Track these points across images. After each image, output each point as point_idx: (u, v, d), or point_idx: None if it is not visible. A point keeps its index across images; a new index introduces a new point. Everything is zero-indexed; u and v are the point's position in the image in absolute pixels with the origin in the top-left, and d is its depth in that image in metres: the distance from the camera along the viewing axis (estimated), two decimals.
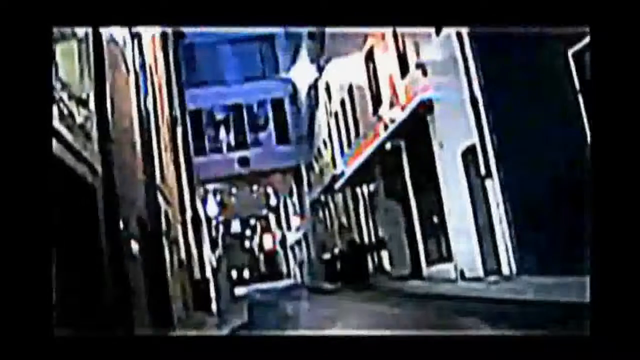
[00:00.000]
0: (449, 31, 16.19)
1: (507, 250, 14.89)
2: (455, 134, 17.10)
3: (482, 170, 15.40)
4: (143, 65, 17.09)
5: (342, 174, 32.13)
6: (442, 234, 19.68)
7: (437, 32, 17.39)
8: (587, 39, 11.03)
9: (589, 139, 11.50)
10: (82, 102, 9.27)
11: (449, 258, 18.96)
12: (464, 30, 15.60)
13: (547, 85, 13.64)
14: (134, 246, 12.03)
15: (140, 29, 16.56)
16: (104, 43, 11.17)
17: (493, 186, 15.21)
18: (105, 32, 11.79)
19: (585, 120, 11.56)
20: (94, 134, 9.79)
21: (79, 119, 8.89)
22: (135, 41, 15.97)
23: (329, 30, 30.85)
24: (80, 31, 9.94)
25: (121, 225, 10.23)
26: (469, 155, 16.56)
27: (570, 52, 11.72)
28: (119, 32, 14.03)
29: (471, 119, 15.60)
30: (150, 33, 19.87)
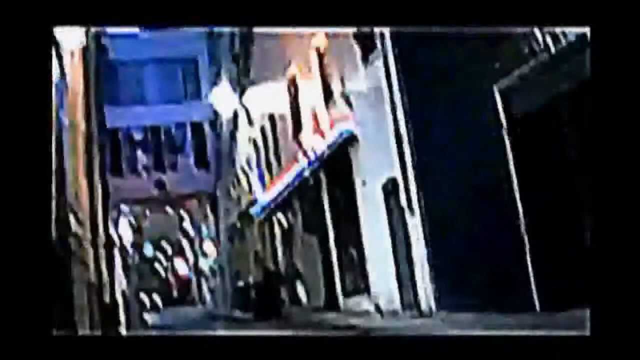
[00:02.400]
0: (376, 61, 16.05)
1: (425, 286, 14.71)
2: (378, 166, 16.92)
3: (403, 204, 15.23)
4: (62, 74, 16.48)
5: (259, 201, 31.74)
6: (359, 267, 19.44)
7: (364, 62, 17.23)
8: (514, 75, 11.03)
9: (513, 179, 11.50)
10: None
11: (365, 290, 18.71)
12: (391, 59, 15.45)
13: (473, 120, 13.57)
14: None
15: (61, 36, 15.99)
16: None
17: (414, 220, 15.02)
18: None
19: (509, 156, 11.49)
20: None
21: None
22: (54, 49, 15.37)
23: (254, 52, 30.58)
24: None
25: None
26: (389, 189, 16.38)
27: (496, 87, 11.63)
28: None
29: (394, 152, 15.43)
30: (70, 40, 19.22)
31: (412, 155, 14.98)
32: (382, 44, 15.79)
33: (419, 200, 14.87)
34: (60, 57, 16.30)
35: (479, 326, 10.96)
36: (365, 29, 16.19)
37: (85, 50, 28.53)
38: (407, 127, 15.15)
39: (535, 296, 11.16)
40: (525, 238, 11.33)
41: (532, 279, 11.21)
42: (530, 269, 11.21)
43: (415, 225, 14.97)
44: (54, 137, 14.91)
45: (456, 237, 14.11)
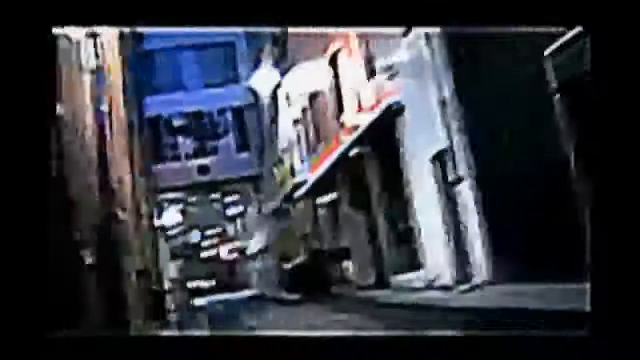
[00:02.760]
0: (418, 32, 15.69)
1: (480, 258, 14.38)
2: (425, 138, 16.59)
3: (453, 175, 14.90)
4: (100, 65, 16.37)
5: (304, 182, 31.54)
6: (409, 242, 19.14)
7: (405, 34, 16.89)
8: (563, 38, 10.61)
9: (565, 140, 11.11)
10: None
11: (416, 266, 18.42)
12: (433, 31, 15.10)
13: (521, 85, 13.17)
14: (88, 257, 11.34)
15: (97, 28, 15.88)
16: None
17: (464, 191, 14.70)
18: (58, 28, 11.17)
19: (559, 120, 11.08)
20: None
21: None
22: (91, 40, 15.26)
23: (292, 33, 30.35)
24: None
25: (75, 233, 9.56)
26: (438, 160, 16.07)
27: (546, 52, 11.21)
28: (75, 30, 13.34)
29: (441, 122, 15.09)
30: (107, 32, 19.12)
31: (459, 124, 14.60)
32: None
33: (469, 170, 14.52)
34: (96, 48, 16.21)
35: (534, 298, 10.69)
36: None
37: (121, 40, 28.66)
38: (452, 95, 14.79)
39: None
40: (582, 203, 10.90)
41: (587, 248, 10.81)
42: (588, 237, 10.80)
43: (466, 196, 14.64)
44: (92, 127, 14.85)
45: (509, 206, 13.73)
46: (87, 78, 14.46)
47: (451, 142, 14.81)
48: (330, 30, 23.11)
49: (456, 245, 15.78)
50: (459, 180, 14.71)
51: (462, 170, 14.63)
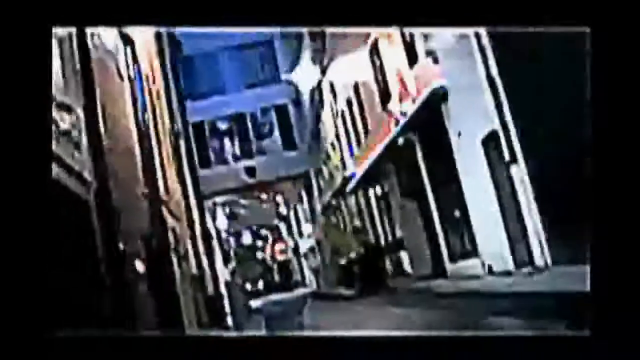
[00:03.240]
0: None
1: (539, 240, 13.90)
2: (474, 121, 16.13)
3: (507, 157, 14.42)
4: (139, 73, 16.20)
5: (353, 175, 31.19)
6: (465, 229, 18.70)
7: None
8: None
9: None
10: (65, 108, 8.36)
11: (474, 253, 17.98)
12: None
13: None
14: (139, 266, 11.13)
15: (134, 35, 15.72)
16: (91, 45, 10.31)
17: (519, 173, 14.21)
18: (95, 35, 10.99)
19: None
20: (84, 142, 8.90)
21: (63, 125, 7.99)
22: (128, 48, 15.08)
23: (329, 28, 30.03)
24: (62, 30, 9.10)
25: (121, 242, 9.33)
26: (490, 143, 15.59)
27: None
28: (111, 38, 13.16)
29: (490, 103, 14.62)
30: (144, 39, 18.96)
31: (509, 104, 14.12)
32: None
33: (522, 151, 14.03)
34: (134, 54, 16.05)
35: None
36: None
37: (158, 45, 28.54)
38: (500, 75, 14.31)
39: None
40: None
41: None
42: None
43: (521, 177, 14.16)
44: (134, 134, 14.67)
45: (565, 186, 13.23)
46: (126, 85, 14.29)
47: (503, 121, 14.30)
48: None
49: (513, 229, 15.30)
50: (514, 160, 14.21)
51: (516, 150, 14.12)
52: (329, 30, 29.57)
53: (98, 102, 9.73)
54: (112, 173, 9.52)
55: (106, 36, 12.47)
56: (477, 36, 14.66)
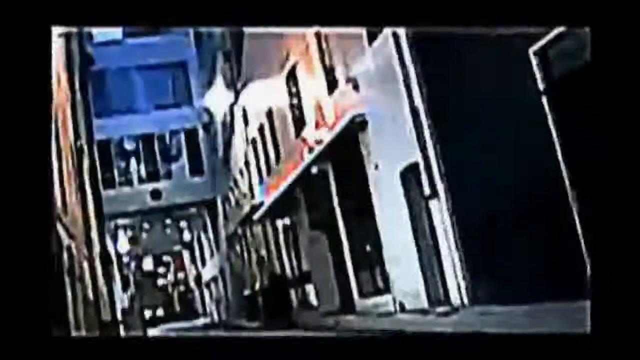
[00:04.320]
0: (386, 33, 14.68)
1: (456, 278, 13.32)
2: (394, 152, 15.54)
3: (427, 190, 13.84)
4: None
5: (262, 203, 30.34)
6: (377, 264, 18.02)
7: (371, 42, 15.91)
8: (550, 35, 9.62)
9: (557, 146, 10.11)
10: None
11: (385, 289, 17.31)
12: (402, 33, 14.10)
13: (502, 89, 12.20)
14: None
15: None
16: None
17: (439, 207, 13.64)
18: None
19: (551, 125, 10.05)
20: None
21: None
22: None
23: (247, 49, 29.36)
24: None
25: None
26: (409, 175, 15.01)
27: (531, 50, 10.20)
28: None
29: (412, 133, 14.05)
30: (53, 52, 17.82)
31: (432, 135, 13.58)
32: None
33: (443, 185, 13.48)
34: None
35: (518, 319, 9.75)
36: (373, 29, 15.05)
37: (69, 59, 27.35)
38: (424, 104, 13.77)
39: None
40: (576, 218, 9.88)
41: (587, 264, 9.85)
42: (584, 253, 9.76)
43: (441, 212, 13.59)
44: (53, 138, 13.61)
45: (487, 222, 12.75)
46: None
47: (425, 154, 13.73)
48: (290, 40, 22.16)
49: (429, 265, 14.72)
50: (434, 195, 13.63)
51: (437, 184, 13.55)
52: (246, 48, 28.95)
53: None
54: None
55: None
56: (402, 62, 14.10)
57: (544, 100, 9.97)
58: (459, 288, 13.27)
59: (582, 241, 9.41)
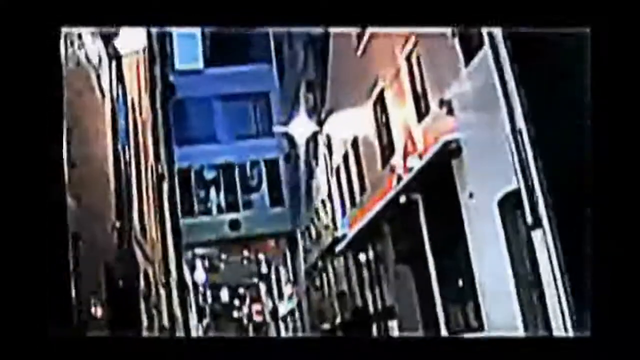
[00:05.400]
0: (485, 52, 13.86)
1: (562, 314, 12.32)
2: (491, 179, 14.71)
3: (529, 220, 12.89)
4: (124, 94, 14.75)
5: (344, 236, 29.58)
6: (469, 299, 17.06)
7: (467, 62, 15.14)
8: None
9: None
10: None
11: (479, 327, 16.32)
12: (503, 52, 13.31)
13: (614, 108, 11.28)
14: (97, 308, 9.54)
15: (123, 50, 14.33)
16: (70, 48, 8.97)
17: (542, 237, 12.68)
18: (75, 38, 9.68)
19: None
20: None
21: None
22: (114, 62, 13.63)
23: (332, 77, 28.88)
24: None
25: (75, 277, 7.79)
26: (508, 204, 14.12)
27: None
28: (94, 47, 11.73)
29: (513, 157, 13.15)
30: (131, 62, 17.53)
31: (535, 158, 12.65)
32: (491, 38, 13.61)
33: (547, 213, 12.52)
34: (121, 75, 14.66)
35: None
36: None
37: (152, 88, 27.29)
38: (527, 125, 12.87)
39: None
40: None
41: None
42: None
43: (544, 242, 12.62)
44: (110, 157, 13.27)
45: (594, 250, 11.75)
46: (107, 103, 12.82)
47: (528, 180, 12.81)
48: (378, 65, 21.55)
49: (529, 300, 13.76)
50: (538, 224, 12.69)
51: (541, 212, 12.62)
52: (331, 76, 28.48)
53: (65, 106, 8.30)
54: (73, 188, 8.02)
55: (89, 43, 11.03)
56: (502, 81, 13.26)
57: None
58: (564, 326, 12.28)
59: None
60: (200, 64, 46.51)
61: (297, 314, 49.04)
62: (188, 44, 45.42)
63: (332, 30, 26.88)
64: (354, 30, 23.41)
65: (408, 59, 19.53)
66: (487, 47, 13.80)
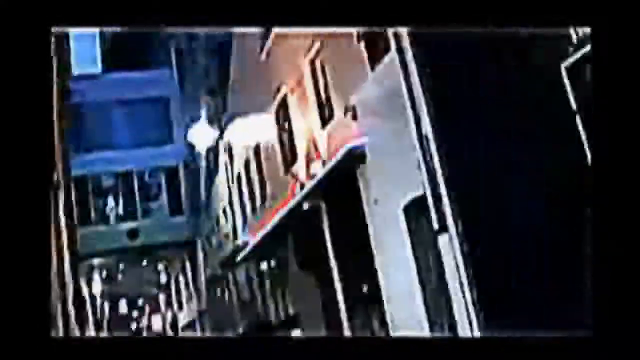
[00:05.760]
0: (391, 56, 13.93)
1: (467, 316, 12.44)
2: (396, 185, 14.77)
3: (435, 225, 12.99)
4: None
5: (245, 244, 29.36)
6: (374, 305, 17.08)
7: (372, 67, 15.20)
8: (586, 48, 8.96)
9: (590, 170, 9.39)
10: None
11: (383, 331, 16.36)
12: (409, 56, 13.39)
13: (526, 111, 11.49)
14: None
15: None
16: None
17: (449, 242, 12.79)
18: None
19: (587, 149, 9.33)
20: None
21: None
22: None
23: (233, 84, 28.69)
24: None
25: None
26: (413, 209, 14.21)
27: (563, 66, 9.52)
28: None
29: (419, 163, 13.23)
30: None
31: (442, 164, 12.75)
32: (397, 42, 13.68)
33: (453, 218, 12.64)
34: None
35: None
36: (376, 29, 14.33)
37: (48, 89, 26.62)
38: (434, 133, 12.97)
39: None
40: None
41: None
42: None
43: (450, 247, 12.73)
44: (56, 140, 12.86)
45: (501, 257, 12.00)
46: None
47: (434, 185, 12.90)
48: (280, 71, 21.48)
49: (435, 304, 13.86)
50: (443, 230, 12.79)
51: (448, 218, 12.72)
52: (232, 82, 28.27)
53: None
54: None
55: None
56: (408, 86, 13.34)
57: (578, 120, 9.29)
58: (470, 328, 12.40)
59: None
60: (98, 68, 45.66)
61: (197, 325, 48.50)
62: (86, 47, 44.50)
63: (235, 30, 26.66)
64: (257, 31, 23.26)
65: (312, 63, 19.52)
66: (393, 51, 13.87)
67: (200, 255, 44.08)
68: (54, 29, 6.86)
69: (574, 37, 9.03)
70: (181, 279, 53.90)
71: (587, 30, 5.53)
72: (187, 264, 48.97)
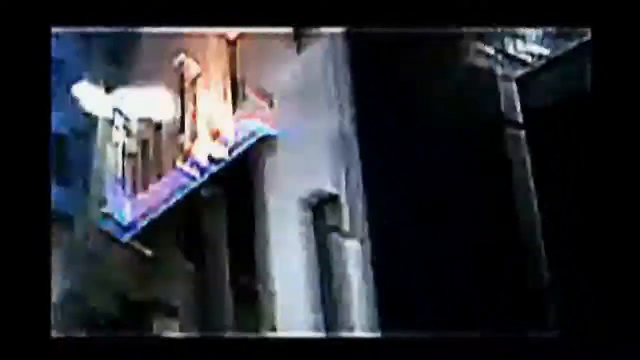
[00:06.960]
0: (320, 43, 13.69)
1: (363, 319, 12.31)
2: (303, 179, 14.54)
3: (344, 225, 12.81)
4: None
5: (132, 226, 28.54)
6: (262, 300, 16.71)
7: (299, 50, 14.92)
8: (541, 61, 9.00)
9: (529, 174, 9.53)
10: None
11: (272, 329, 16.01)
12: (334, 50, 13.21)
13: (437, 120, 11.45)
14: None
15: None
16: None
17: (351, 242, 12.65)
18: None
19: (520, 159, 9.33)
20: None
21: None
22: None
23: (137, 50, 27.99)
24: None
25: None
26: (319, 205, 14.02)
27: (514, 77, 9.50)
28: None
29: (332, 159, 13.03)
30: None
31: (358, 162, 12.57)
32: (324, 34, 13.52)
33: (360, 220, 12.48)
34: None
35: None
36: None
37: None
38: (351, 131, 12.77)
39: None
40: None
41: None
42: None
43: (354, 248, 12.56)
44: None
45: (408, 262, 11.98)
46: None
47: (345, 182, 12.72)
48: (191, 45, 21.03)
49: (330, 301, 13.69)
50: (350, 229, 12.62)
51: (354, 218, 12.56)
52: (137, 50, 27.57)
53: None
54: None
55: None
56: (336, 76, 13.15)
57: (522, 133, 9.35)
58: (369, 327, 12.24)
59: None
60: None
61: (71, 303, 47.25)
62: None
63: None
64: None
65: (232, 43, 18.99)
66: (319, 43, 13.69)
67: (78, 233, 42.96)
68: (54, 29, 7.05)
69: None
70: (57, 252, 52.57)
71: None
72: (64, 240, 47.72)
